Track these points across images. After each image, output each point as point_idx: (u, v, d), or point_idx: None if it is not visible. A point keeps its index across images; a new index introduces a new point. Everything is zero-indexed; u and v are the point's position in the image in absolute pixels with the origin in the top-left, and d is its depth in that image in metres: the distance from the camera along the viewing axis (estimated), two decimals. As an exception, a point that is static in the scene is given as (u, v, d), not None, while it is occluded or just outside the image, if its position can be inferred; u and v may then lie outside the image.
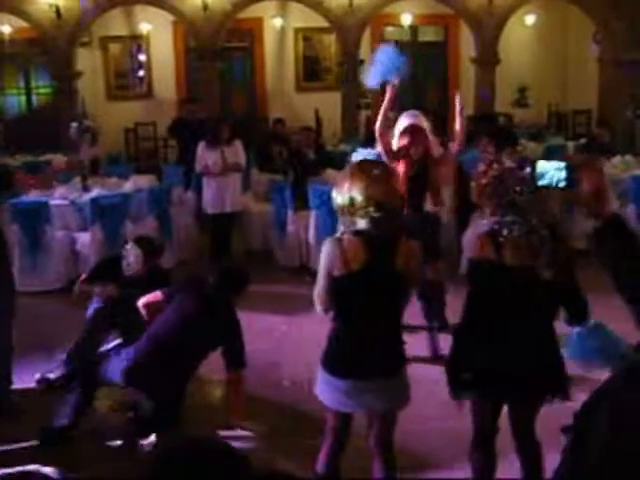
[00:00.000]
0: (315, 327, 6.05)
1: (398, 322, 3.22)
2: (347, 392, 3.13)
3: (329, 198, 7.86)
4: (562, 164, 1.84)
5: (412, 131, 5.50)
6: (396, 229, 3.12)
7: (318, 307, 3.19)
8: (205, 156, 8.13)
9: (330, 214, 7.75)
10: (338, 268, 3.03)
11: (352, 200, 3.03)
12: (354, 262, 3.01)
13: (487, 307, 3.14)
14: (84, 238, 7.70)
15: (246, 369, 4.35)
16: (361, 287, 3.05)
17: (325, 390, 3.23)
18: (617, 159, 9.33)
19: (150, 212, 8.29)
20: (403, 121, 5.62)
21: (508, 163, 3.13)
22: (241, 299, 4.51)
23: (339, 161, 10.35)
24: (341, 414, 3.29)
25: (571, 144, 12.31)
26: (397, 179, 3.21)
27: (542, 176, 1.88)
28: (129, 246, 5.23)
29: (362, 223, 3.07)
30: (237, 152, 8.24)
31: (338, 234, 3.19)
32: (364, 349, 3.10)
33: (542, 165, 1.88)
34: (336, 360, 3.17)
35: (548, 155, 11.67)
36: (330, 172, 8.84)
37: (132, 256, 5.14)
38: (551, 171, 1.85)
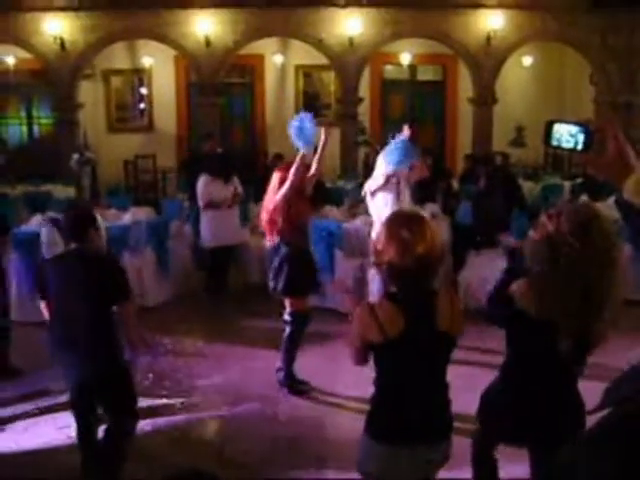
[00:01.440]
0: (312, 363, 6.08)
1: (445, 380, 2.96)
2: (398, 460, 2.86)
3: (327, 234, 7.97)
4: (579, 127, 1.73)
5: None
6: (432, 287, 2.88)
7: (354, 363, 2.99)
8: (210, 189, 8.12)
9: (328, 249, 7.81)
10: (374, 336, 2.77)
11: (388, 259, 2.78)
12: (391, 329, 2.75)
13: (524, 357, 3.07)
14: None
15: (130, 301, 4.27)
16: (402, 353, 2.81)
17: (371, 461, 2.93)
18: (612, 199, 9.38)
19: (148, 244, 8.32)
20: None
21: (564, 223, 2.84)
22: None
23: (337, 197, 10.45)
24: None
25: (567, 184, 12.42)
26: (428, 236, 2.83)
27: (557, 138, 1.77)
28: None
29: (396, 284, 2.85)
30: (237, 185, 8.31)
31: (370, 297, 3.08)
32: (413, 412, 2.86)
33: (558, 127, 1.76)
34: (385, 426, 2.89)
35: (545, 194, 11.79)
36: (328, 208, 8.91)
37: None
38: (567, 134, 1.74)
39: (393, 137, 6.56)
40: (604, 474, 1.03)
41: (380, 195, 6.51)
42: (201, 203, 8.17)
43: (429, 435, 2.90)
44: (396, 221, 2.90)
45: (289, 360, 5.77)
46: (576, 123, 1.75)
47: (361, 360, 2.93)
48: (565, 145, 1.75)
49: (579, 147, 1.73)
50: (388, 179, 6.42)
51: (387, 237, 2.80)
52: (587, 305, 2.86)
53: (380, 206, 6.50)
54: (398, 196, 6.45)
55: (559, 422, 3.06)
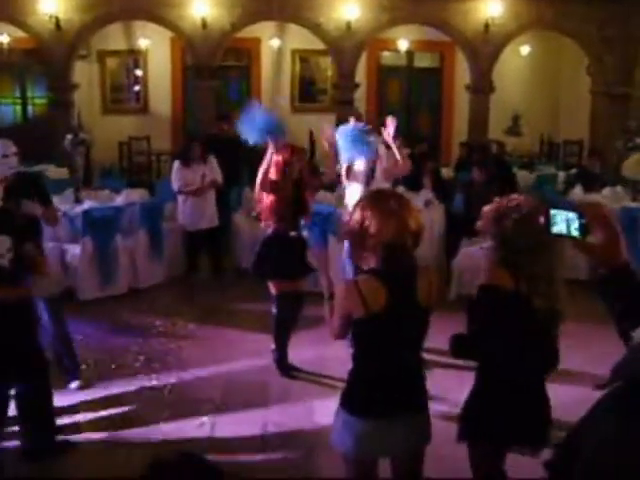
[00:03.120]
0: (303, 348, 6.09)
1: (420, 354, 3.06)
2: (374, 433, 2.91)
3: (321, 218, 7.96)
4: (574, 213, 1.73)
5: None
6: (413, 263, 2.93)
7: (333, 337, 3.03)
8: (181, 174, 8.31)
9: (322, 234, 7.80)
10: (357, 312, 2.81)
11: (366, 235, 2.82)
12: (374, 304, 2.78)
13: (507, 339, 3.00)
14: (74, 250, 7.68)
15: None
16: (384, 328, 2.84)
17: (347, 436, 2.94)
18: (607, 190, 9.43)
19: (141, 226, 8.29)
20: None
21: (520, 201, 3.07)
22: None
23: (331, 182, 10.42)
24: (365, 464, 3.06)
25: (562, 174, 12.42)
26: (414, 210, 2.96)
27: (555, 224, 1.77)
28: None
29: (374, 260, 2.86)
30: (213, 169, 8.37)
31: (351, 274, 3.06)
32: (390, 385, 2.92)
33: (555, 212, 1.77)
34: (362, 399, 2.94)
35: (539, 184, 11.79)
36: (322, 193, 8.89)
37: None
38: (564, 219, 1.74)
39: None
40: (609, 436, 1.05)
41: (352, 184, 6.29)
42: (175, 188, 8.40)
43: (407, 408, 2.96)
44: (383, 199, 2.93)
45: (279, 344, 5.80)
46: (571, 209, 1.73)
47: (341, 334, 2.98)
48: (565, 232, 1.73)
49: (575, 234, 1.70)
50: (347, 171, 6.25)
51: (382, 215, 2.81)
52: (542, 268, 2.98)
53: (352, 193, 6.26)
54: (367, 185, 6.12)
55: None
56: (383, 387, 2.91)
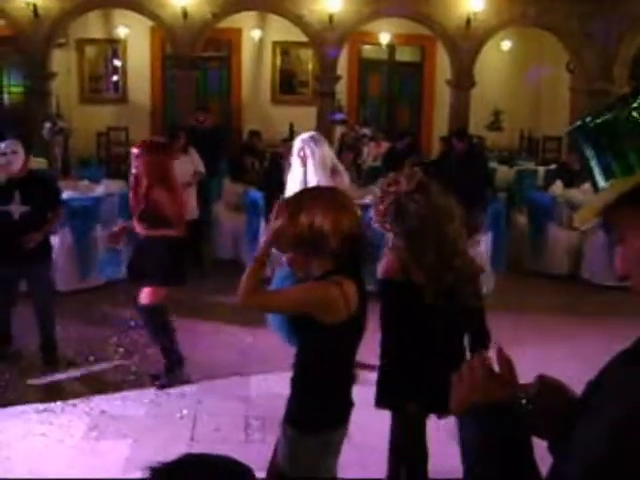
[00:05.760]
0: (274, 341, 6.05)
1: None
2: (333, 446, 2.76)
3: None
4: None
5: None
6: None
7: (248, 301, 2.64)
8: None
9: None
10: (337, 314, 2.54)
11: (320, 237, 2.51)
12: (353, 305, 2.57)
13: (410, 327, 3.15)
14: (53, 241, 7.56)
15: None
16: (357, 329, 2.69)
17: (307, 457, 2.69)
18: (586, 186, 9.47)
19: (121, 217, 8.19)
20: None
21: (404, 185, 3.03)
22: None
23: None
24: None
25: (542, 169, 12.49)
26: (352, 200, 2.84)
27: None
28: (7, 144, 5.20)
29: (331, 261, 2.58)
30: (194, 160, 8.26)
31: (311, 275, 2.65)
32: (348, 393, 2.82)
33: None
34: (327, 412, 2.72)
35: (519, 179, 11.83)
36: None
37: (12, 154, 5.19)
38: None
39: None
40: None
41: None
42: None
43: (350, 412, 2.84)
44: (324, 194, 2.72)
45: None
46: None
47: (263, 310, 2.94)
48: None
49: None
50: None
51: (333, 209, 2.55)
52: (439, 258, 3.01)
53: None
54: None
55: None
56: (343, 395, 2.78)
